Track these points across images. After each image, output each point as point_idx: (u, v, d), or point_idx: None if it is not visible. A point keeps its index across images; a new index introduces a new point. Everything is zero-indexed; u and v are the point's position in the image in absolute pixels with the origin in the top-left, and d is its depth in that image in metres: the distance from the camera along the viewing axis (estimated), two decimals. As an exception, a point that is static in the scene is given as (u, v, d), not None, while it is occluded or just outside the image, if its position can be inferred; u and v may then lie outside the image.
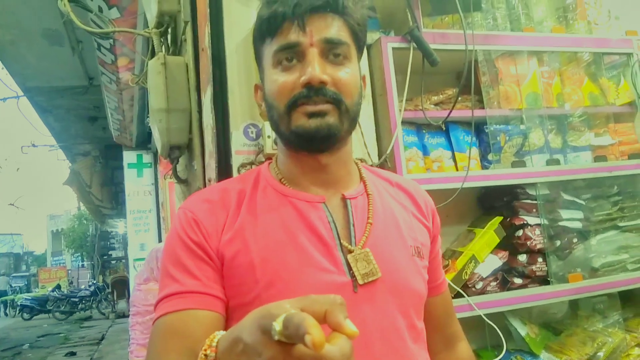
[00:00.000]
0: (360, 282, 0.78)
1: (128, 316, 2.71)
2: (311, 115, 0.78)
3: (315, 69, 0.77)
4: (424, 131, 1.74)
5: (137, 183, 6.18)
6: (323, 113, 0.78)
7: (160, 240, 5.68)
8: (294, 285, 0.76)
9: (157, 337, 0.75)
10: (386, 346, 0.78)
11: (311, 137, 0.79)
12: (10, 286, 22.85)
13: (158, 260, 2.38)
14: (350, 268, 0.79)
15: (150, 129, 2.34)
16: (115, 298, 13.67)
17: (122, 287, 12.77)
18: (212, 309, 0.76)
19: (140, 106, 4.74)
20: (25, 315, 14.65)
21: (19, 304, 15.48)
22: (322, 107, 0.78)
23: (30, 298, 15.36)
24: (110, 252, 19.81)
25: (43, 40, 4.42)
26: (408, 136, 1.67)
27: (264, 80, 0.86)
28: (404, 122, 1.61)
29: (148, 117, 1.97)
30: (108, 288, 14.54)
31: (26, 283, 23.94)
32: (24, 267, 36.51)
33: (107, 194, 9.17)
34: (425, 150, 1.71)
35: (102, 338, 10.03)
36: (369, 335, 0.77)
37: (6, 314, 17.72)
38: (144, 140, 5.95)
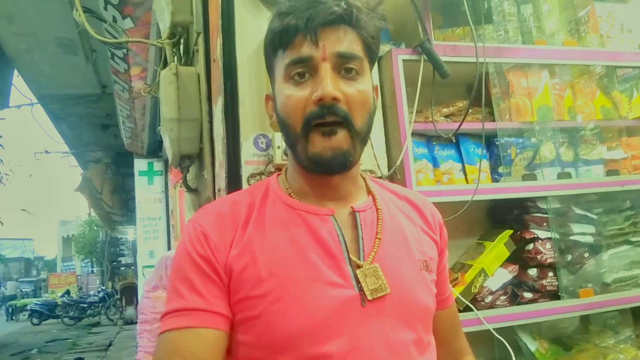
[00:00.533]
0: (369, 297, 0.78)
1: (136, 323, 2.71)
2: (324, 134, 0.78)
3: (328, 85, 0.76)
4: (434, 143, 1.73)
5: (147, 191, 6.23)
6: (334, 131, 0.78)
7: (169, 248, 5.70)
8: (302, 299, 0.76)
9: (161, 354, 0.76)
10: None
11: (327, 165, 0.79)
12: (20, 291, 23.03)
13: (167, 267, 2.38)
14: (358, 282, 0.78)
15: (161, 137, 2.36)
16: (123, 304, 13.72)
17: (130, 293, 12.82)
18: (215, 327, 0.77)
19: (152, 115, 4.79)
20: (35, 320, 14.73)
21: (28, 308, 15.56)
22: (333, 127, 0.78)
23: (39, 303, 15.45)
24: (119, 259, 19.91)
25: (57, 48, 4.49)
26: (418, 148, 1.67)
27: (275, 91, 0.85)
28: (414, 134, 1.61)
29: (159, 125, 1.99)
30: (117, 294, 14.59)
31: (33, 288, 24.08)
32: (34, 272, 36.78)
33: (118, 201, 9.24)
34: (435, 162, 1.71)
35: (110, 344, 10.05)
36: (376, 349, 0.76)
37: (12, 318, 17.77)
38: (155, 149, 6.00)
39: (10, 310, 18.38)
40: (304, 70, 0.78)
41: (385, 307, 0.79)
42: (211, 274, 0.79)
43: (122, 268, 19.32)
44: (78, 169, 10.08)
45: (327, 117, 0.77)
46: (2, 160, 10.68)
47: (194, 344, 0.75)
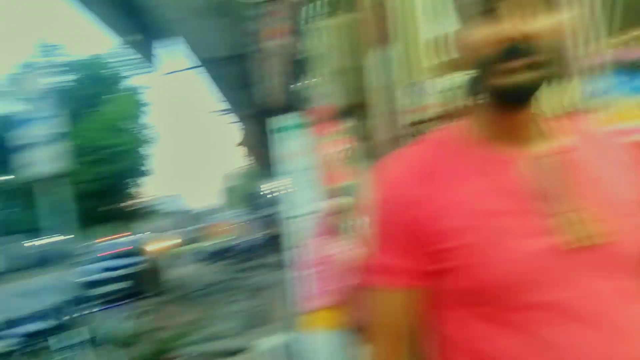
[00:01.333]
0: (574, 245, 0.73)
1: (289, 268, 2.91)
2: (524, 68, 0.72)
3: (523, 22, 0.71)
4: (633, 73, 1.48)
5: (292, 144, 6.52)
6: (536, 66, 0.72)
7: (317, 199, 5.94)
8: (501, 250, 0.74)
9: (370, 313, 0.87)
10: (599, 312, 0.73)
11: (519, 90, 0.74)
12: (188, 239, 26.39)
13: (322, 217, 2.49)
14: (559, 231, 0.73)
15: (302, 92, 2.39)
16: (276, 250, 14.97)
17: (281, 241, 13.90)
18: (408, 286, 0.82)
19: (294, 71, 4.94)
20: (209, 262, 17.06)
21: (208, 251, 17.91)
22: (533, 59, 0.72)
23: (213, 249, 17.92)
24: (270, 209, 21.54)
25: (206, 12, 4.85)
26: (615, 79, 1.44)
27: (463, 29, 0.79)
28: (610, 64, 1.39)
29: (304, 80, 2.01)
30: (271, 241, 15.94)
31: (191, 237, 27.25)
32: (198, 223, 41.93)
33: (264, 156, 9.87)
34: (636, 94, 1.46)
35: (268, 286, 11.10)
36: (584, 300, 0.73)
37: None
38: (298, 104, 6.24)
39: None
40: (497, 4, 0.72)
41: (592, 255, 0.74)
42: (402, 232, 0.81)
43: (273, 217, 20.89)
44: (237, 126, 10.99)
45: (521, 55, 0.72)
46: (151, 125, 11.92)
47: (393, 306, 0.84)
